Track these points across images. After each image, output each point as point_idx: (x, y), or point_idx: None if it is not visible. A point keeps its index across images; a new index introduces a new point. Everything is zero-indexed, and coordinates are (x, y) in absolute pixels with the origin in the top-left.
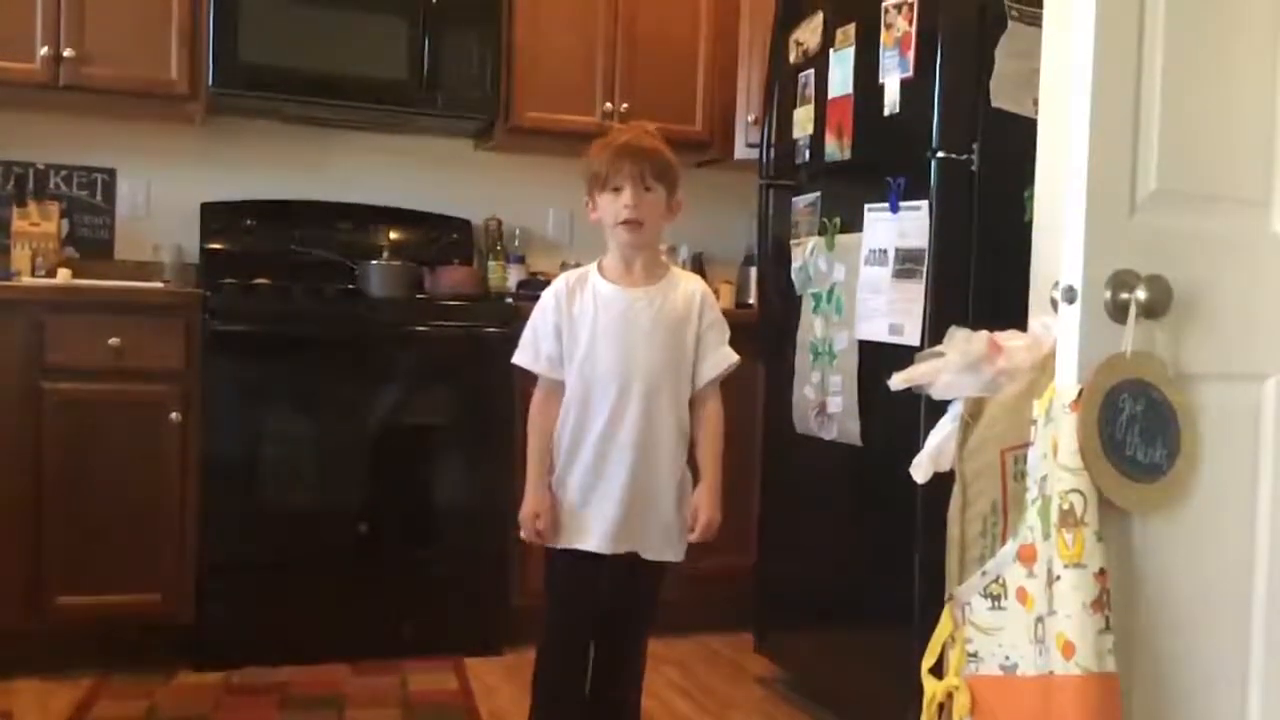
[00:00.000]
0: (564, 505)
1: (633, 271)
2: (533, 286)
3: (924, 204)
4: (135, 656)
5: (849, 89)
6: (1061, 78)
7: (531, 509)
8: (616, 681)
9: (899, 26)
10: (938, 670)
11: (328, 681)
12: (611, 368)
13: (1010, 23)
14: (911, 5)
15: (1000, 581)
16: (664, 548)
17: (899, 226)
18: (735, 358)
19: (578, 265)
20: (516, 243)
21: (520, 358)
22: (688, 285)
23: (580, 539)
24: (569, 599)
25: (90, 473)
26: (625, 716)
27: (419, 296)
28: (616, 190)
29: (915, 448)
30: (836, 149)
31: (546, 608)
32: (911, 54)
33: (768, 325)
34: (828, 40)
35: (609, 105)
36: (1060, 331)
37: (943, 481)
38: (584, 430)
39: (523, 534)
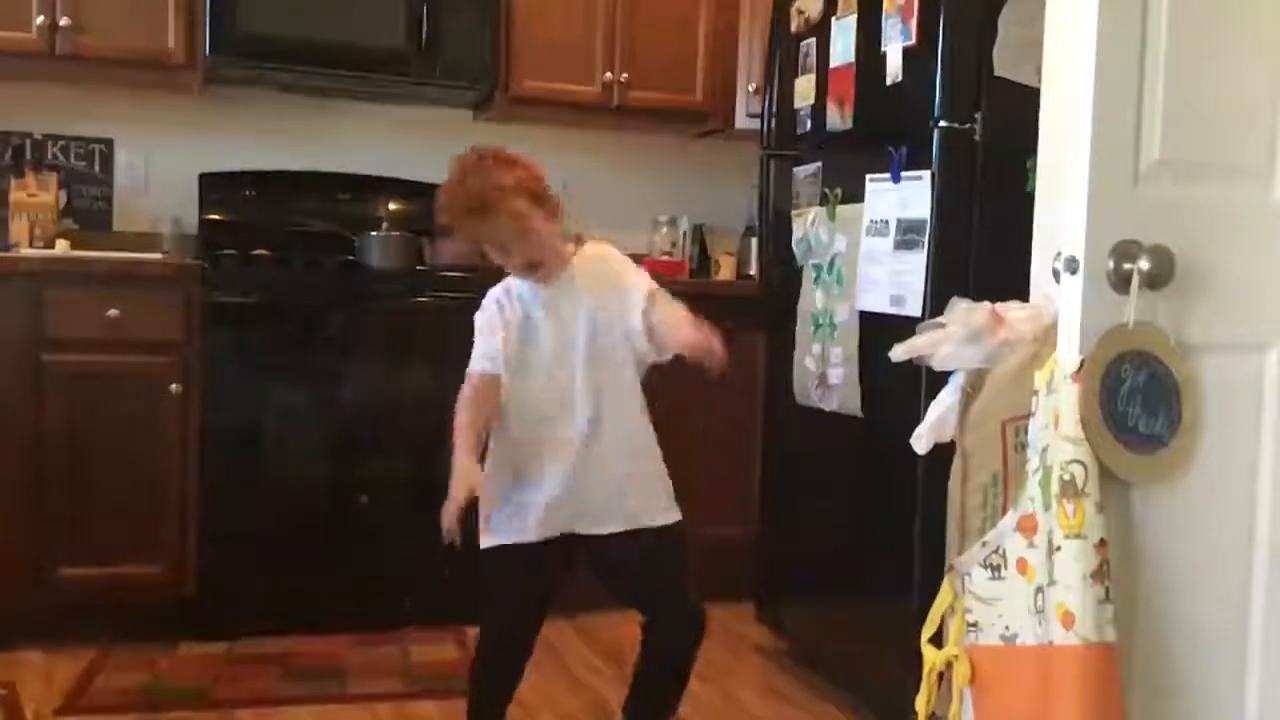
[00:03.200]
0: (501, 500)
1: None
2: None
3: (926, 174)
4: (138, 628)
5: (851, 58)
6: (1065, 46)
7: (467, 484)
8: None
9: None
10: (937, 640)
11: (329, 652)
12: (546, 366)
13: None
14: None
15: (1000, 552)
16: (651, 515)
17: (901, 197)
18: (648, 284)
19: (578, 236)
20: None
21: (481, 366)
22: (593, 261)
23: (515, 535)
24: (506, 593)
25: (91, 444)
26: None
27: (419, 268)
28: (484, 254)
29: (916, 419)
30: (838, 118)
31: (482, 605)
32: (914, 22)
33: (768, 296)
34: (829, 8)
35: (609, 75)
36: (1062, 302)
37: (943, 452)
38: (524, 433)
39: (447, 522)
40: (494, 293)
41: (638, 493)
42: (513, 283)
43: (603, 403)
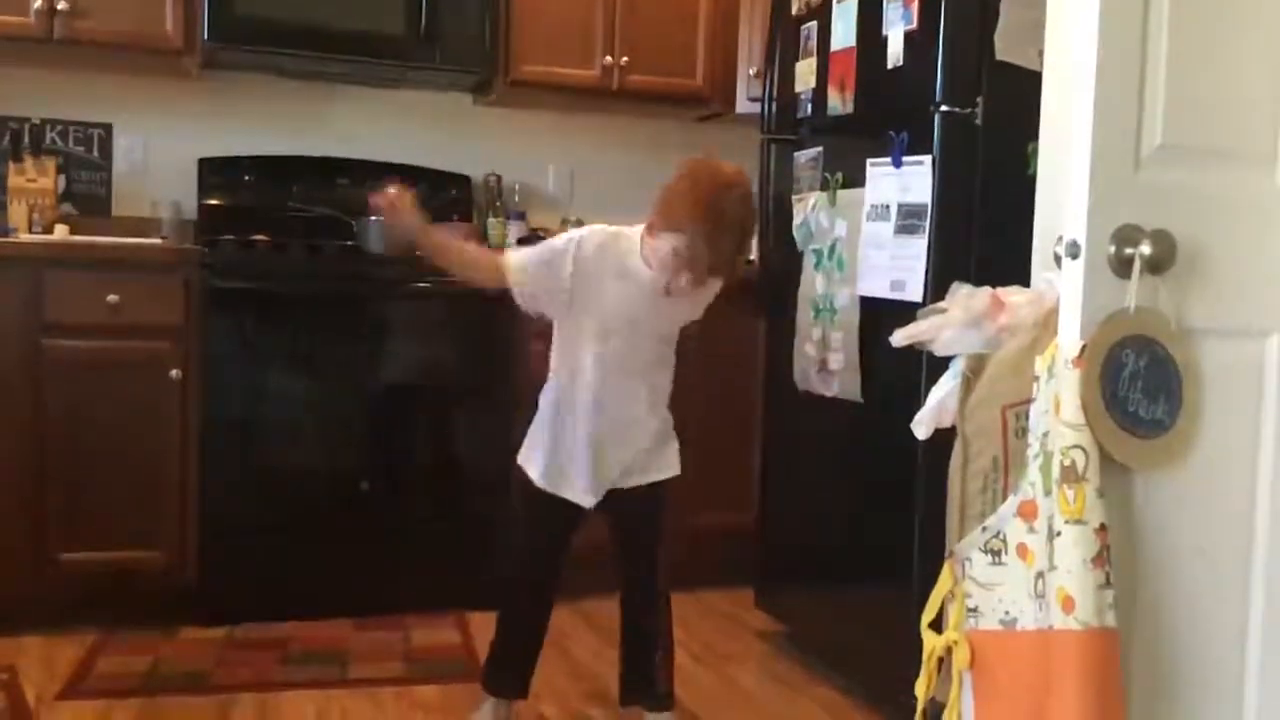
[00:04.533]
0: (548, 460)
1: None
2: (533, 243)
3: (927, 158)
4: (138, 613)
5: (852, 41)
6: (1067, 30)
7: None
8: (649, 609)
9: None
10: (937, 625)
11: (330, 637)
12: (606, 326)
13: None
14: None
15: (1001, 537)
16: (648, 473)
17: (901, 181)
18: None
19: (579, 222)
20: (516, 199)
21: (521, 259)
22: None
23: (563, 491)
24: (539, 527)
25: (91, 430)
26: (656, 644)
27: (418, 253)
28: (683, 251)
29: (916, 404)
30: (839, 103)
31: (518, 534)
32: (915, 6)
33: (769, 282)
34: None
35: (609, 59)
36: (1063, 287)
37: (944, 438)
38: (571, 392)
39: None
40: (596, 235)
41: (656, 454)
42: (631, 245)
43: (646, 384)
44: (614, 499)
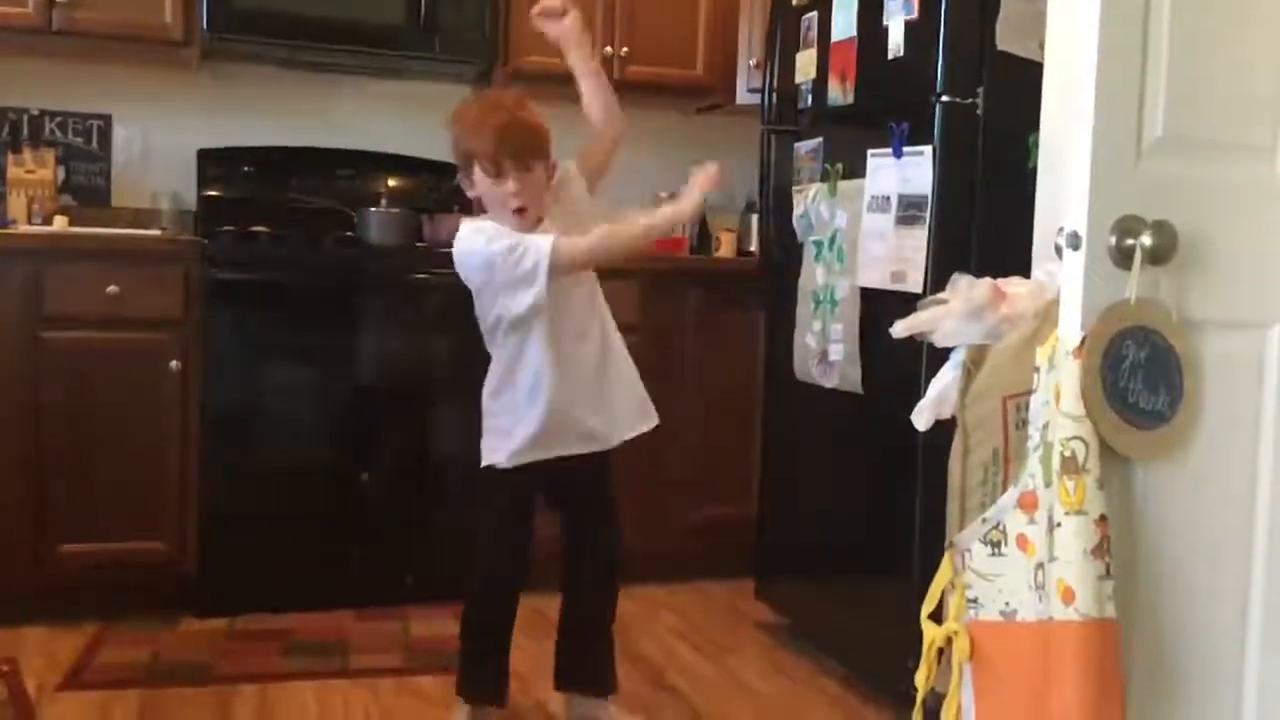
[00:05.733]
0: (518, 431)
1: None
2: None
3: (927, 149)
4: (139, 604)
5: (852, 32)
6: (1068, 20)
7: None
8: (606, 588)
9: None
10: (937, 616)
11: (330, 628)
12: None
13: None
14: None
15: (1000, 528)
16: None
17: (902, 172)
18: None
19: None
20: None
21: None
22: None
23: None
24: (511, 517)
25: (91, 421)
26: (608, 629)
27: (418, 244)
28: (499, 175)
29: (916, 395)
30: (839, 93)
31: (483, 535)
32: None
33: (769, 273)
34: None
35: (609, 49)
36: (1064, 278)
37: (944, 429)
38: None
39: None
40: (482, 228)
41: (634, 408)
42: (488, 225)
43: (600, 327)
44: (563, 472)
